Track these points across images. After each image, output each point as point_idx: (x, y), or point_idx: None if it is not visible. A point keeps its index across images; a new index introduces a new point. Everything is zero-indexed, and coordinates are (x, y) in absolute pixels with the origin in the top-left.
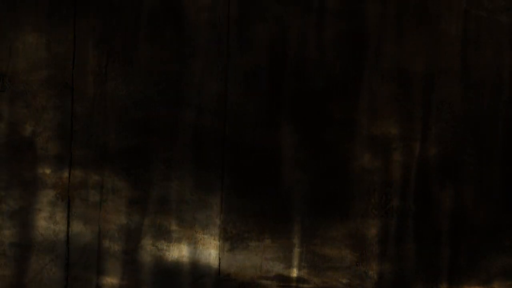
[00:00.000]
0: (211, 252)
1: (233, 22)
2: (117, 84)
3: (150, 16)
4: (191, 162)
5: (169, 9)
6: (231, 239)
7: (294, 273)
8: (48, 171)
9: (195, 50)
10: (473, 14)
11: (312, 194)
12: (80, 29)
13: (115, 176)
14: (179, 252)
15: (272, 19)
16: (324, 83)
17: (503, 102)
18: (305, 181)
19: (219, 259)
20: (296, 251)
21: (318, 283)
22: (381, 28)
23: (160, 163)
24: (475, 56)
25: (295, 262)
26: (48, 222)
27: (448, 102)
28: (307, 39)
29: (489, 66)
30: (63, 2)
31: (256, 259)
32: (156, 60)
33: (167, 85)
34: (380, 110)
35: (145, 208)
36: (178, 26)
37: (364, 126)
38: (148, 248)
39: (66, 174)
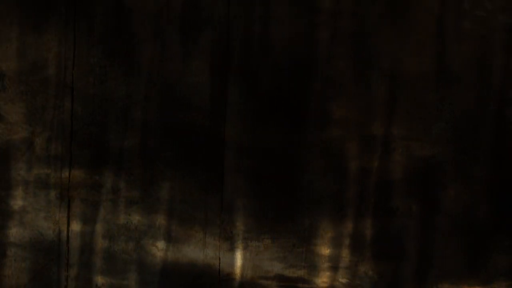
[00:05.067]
0: (210, 252)
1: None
2: (117, 84)
3: (149, 16)
4: (191, 162)
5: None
6: (231, 239)
7: (294, 273)
8: (48, 171)
9: (194, 50)
10: (474, 14)
11: (311, 194)
12: (80, 29)
13: (115, 176)
14: (178, 252)
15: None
16: (319, 81)
17: (498, 102)
18: (304, 181)
19: (219, 259)
20: (296, 251)
21: (318, 283)
22: (376, 26)
23: (159, 163)
24: (474, 56)
25: (295, 262)
26: (48, 222)
27: (448, 103)
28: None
29: (488, 66)
30: (63, 2)
31: (256, 259)
32: (156, 59)
33: (167, 85)
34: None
35: (145, 208)
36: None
37: (365, 126)
38: (147, 248)
39: (66, 174)
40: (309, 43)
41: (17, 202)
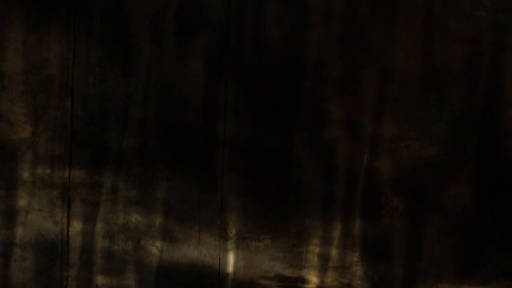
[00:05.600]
0: (210, 252)
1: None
2: (117, 84)
3: (148, 16)
4: (190, 162)
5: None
6: (231, 239)
7: (294, 273)
8: (48, 171)
9: (194, 50)
10: (473, 13)
11: (311, 193)
12: (80, 29)
13: (114, 176)
14: (178, 252)
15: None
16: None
17: (497, 102)
18: (304, 181)
19: (219, 259)
20: (296, 251)
21: (318, 283)
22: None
23: (159, 162)
24: (474, 56)
25: (295, 262)
26: (48, 222)
27: (448, 103)
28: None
29: (483, 65)
30: (63, 2)
31: (256, 259)
32: (156, 60)
33: (167, 84)
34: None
35: (145, 208)
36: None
37: (366, 126)
38: (147, 248)
39: (66, 174)
40: (304, 43)
41: (18, 202)
